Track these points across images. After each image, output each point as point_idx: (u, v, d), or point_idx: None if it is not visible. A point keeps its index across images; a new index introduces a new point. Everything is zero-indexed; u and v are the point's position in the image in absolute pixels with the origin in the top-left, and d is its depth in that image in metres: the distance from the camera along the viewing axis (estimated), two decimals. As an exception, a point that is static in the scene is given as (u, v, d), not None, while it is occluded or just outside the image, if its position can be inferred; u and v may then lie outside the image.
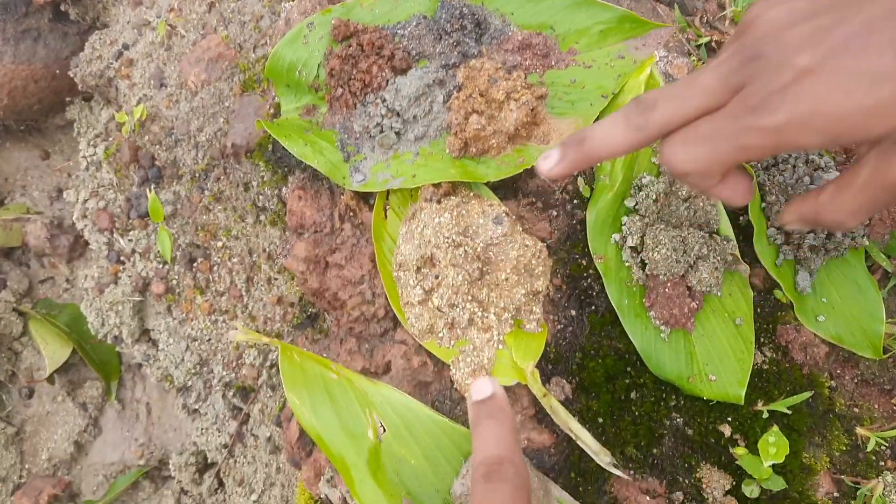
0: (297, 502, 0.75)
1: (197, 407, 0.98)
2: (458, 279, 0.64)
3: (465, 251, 0.64)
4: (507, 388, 0.66)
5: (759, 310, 0.71)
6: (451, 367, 0.65)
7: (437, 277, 0.65)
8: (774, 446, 0.65)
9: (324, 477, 0.66)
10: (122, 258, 1.05)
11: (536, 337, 0.66)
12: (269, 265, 0.96)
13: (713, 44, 0.82)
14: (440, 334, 0.65)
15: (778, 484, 0.65)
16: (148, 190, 1.00)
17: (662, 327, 0.68)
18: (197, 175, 0.99)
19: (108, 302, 1.03)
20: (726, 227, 0.71)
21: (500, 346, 0.65)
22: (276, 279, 0.96)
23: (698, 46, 0.82)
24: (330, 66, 0.72)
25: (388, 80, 0.71)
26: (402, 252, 0.67)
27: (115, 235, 1.05)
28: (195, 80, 0.98)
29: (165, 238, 0.99)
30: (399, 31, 0.74)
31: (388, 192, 0.71)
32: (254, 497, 0.86)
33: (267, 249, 0.96)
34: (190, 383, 0.99)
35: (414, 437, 0.64)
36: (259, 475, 0.88)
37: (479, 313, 0.65)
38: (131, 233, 1.04)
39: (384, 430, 0.64)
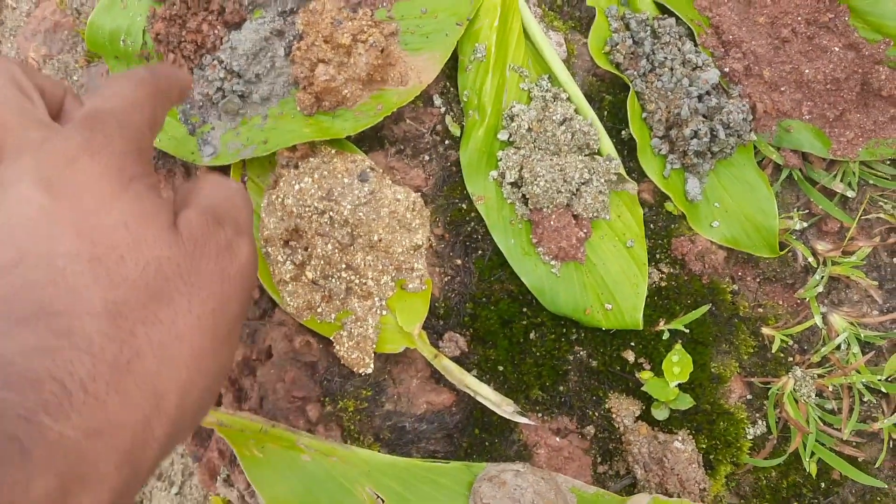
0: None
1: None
2: (328, 248, 0.60)
3: (331, 217, 0.59)
4: (396, 355, 0.63)
5: (651, 226, 0.69)
6: (335, 343, 0.61)
7: (306, 249, 0.61)
8: (678, 366, 0.64)
9: (220, 476, 0.63)
10: None
11: (420, 296, 0.62)
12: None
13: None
14: (319, 309, 0.61)
15: (685, 402, 0.64)
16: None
17: (553, 262, 0.65)
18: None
19: None
20: (607, 146, 0.67)
21: (384, 312, 0.61)
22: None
23: (563, -52, 0.76)
24: (154, 30, 0.64)
25: (222, 38, 0.64)
26: (267, 226, 0.62)
27: None
28: (36, 56, 0.89)
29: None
30: (226, -20, 0.66)
31: (243, 161, 0.65)
32: (174, 490, 0.83)
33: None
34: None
35: (415, 494, 0.59)
36: (176, 466, 0.84)
37: (357, 280, 0.61)
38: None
39: (382, 502, 0.59)
